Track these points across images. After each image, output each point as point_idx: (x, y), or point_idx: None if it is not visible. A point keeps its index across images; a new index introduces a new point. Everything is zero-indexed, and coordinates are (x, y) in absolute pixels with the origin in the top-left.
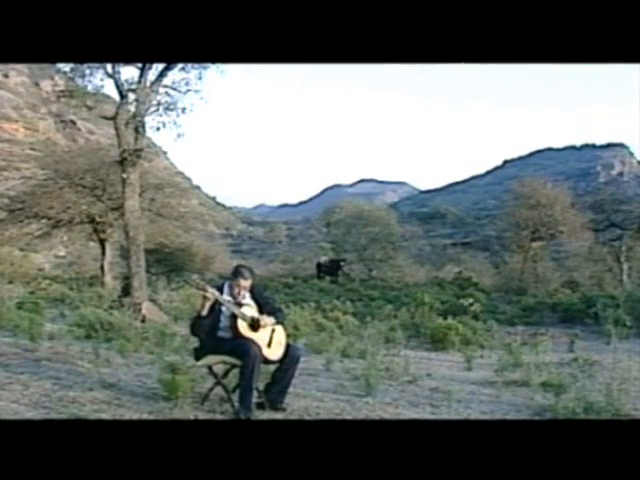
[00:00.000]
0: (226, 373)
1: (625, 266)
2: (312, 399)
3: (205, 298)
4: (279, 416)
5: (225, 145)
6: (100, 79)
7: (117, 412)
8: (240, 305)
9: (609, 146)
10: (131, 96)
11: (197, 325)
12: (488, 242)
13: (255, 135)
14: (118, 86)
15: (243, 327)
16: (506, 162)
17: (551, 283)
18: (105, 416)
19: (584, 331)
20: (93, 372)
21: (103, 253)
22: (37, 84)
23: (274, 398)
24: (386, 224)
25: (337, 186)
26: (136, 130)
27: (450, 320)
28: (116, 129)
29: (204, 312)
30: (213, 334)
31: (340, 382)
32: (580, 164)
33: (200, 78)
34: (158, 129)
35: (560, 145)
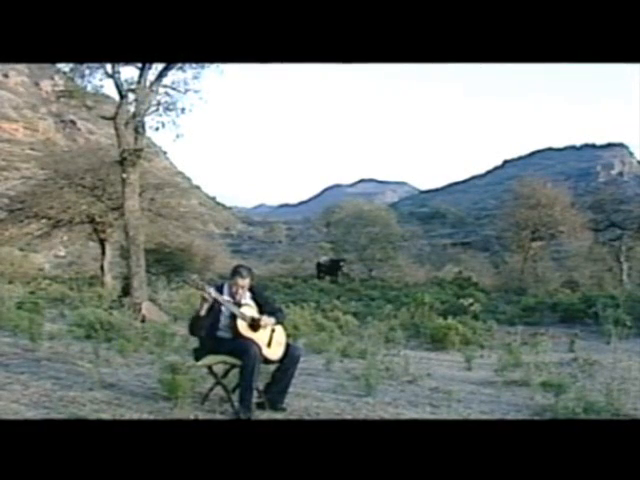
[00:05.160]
0: (226, 373)
1: (625, 266)
2: (312, 399)
3: (204, 299)
4: (279, 416)
5: (225, 145)
6: (100, 79)
7: (117, 412)
8: (240, 305)
9: (609, 146)
10: (131, 96)
11: (195, 325)
12: (488, 242)
13: (255, 135)
14: (118, 86)
15: (243, 327)
16: (506, 162)
17: (551, 283)
18: (105, 416)
19: (584, 331)
20: (93, 372)
21: (103, 253)
22: (37, 84)
23: (274, 398)
24: (386, 224)
25: (337, 186)
26: (136, 130)
27: (450, 320)
28: (116, 129)
29: (202, 312)
30: (213, 334)
31: (340, 382)
32: (580, 164)
33: (197, 78)
34: (157, 129)
35: (560, 145)
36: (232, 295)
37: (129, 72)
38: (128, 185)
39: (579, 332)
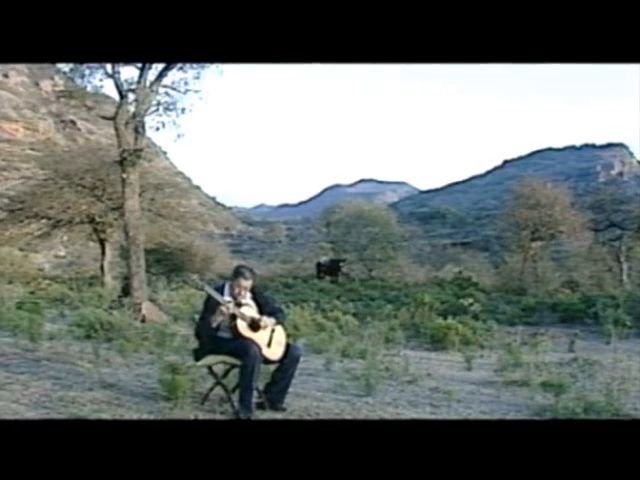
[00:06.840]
0: (226, 373)
1: (625, 266)
2: (312, 399)
3: (221, 313)
4: (279, 416)
5: (225, 145)
6: (100, 79)
7: (117, 412)
8: (240, 305)
9: (609, 146)
10: (131, 96)
11: (203, 331)
12: (488, 242)
13: (255, 135)
14: (118, 86)
15: (243, 327)
16: (506, 162)
17: (551, 283)
18: (105, 416)
19: (584, 331)
20: (93, 372)
21: (103, 253)
22: (37, 84)
23: (274, 398)
24: (386, 224)
25: (337, 186)
26: (136, 130)
27: (450, 320)
28: (116, 129)
29: (214, 325)
30: (213, 334)
31: (340, 382)
32: (580, 164)
33: (198, 78)
34: (158, 129)
35: (560, 145)
36: (233, 295)
37: (129, 72)
38: (128, 185)
39: (579, 332)
